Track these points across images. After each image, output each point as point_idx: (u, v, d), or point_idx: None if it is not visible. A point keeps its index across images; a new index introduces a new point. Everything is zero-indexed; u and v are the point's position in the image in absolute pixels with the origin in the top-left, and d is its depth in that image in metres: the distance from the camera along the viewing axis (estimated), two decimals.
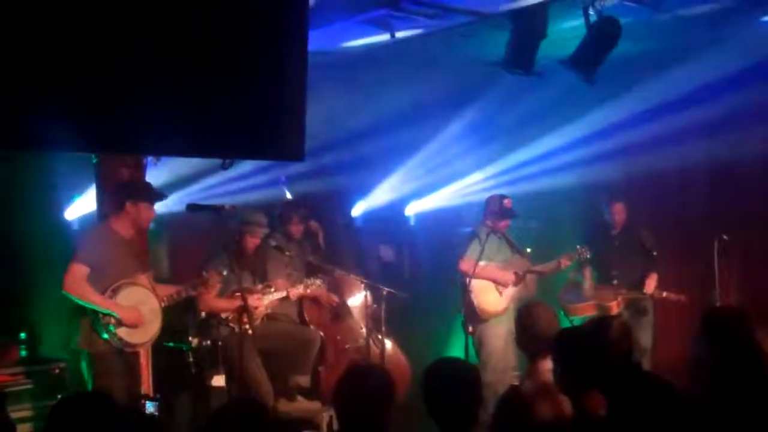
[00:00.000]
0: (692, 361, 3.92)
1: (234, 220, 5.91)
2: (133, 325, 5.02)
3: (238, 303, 5.84)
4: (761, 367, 3.33)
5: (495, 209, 6.51)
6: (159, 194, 5.32)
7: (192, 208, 5.14)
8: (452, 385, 3.22)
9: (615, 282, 6.57)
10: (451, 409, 3.19)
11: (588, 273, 6.83)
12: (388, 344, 6.71)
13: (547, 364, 3.85)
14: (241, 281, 5.69)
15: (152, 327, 5.17)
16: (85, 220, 6.41)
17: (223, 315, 6.01)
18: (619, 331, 4.05)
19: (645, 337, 6.69)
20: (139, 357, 5.27)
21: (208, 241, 6.20)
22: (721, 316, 4.25)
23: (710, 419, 3.15)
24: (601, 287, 6.73)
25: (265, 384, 6.02)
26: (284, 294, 6.22)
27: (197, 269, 5.88)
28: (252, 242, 6.13)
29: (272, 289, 6.16)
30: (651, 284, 6.64)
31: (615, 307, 6.59)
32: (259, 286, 6.16)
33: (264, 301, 6.10)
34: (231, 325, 5.99)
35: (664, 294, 6.63)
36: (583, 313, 6.59)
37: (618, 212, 6.89)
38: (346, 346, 6.73)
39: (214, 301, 5.95)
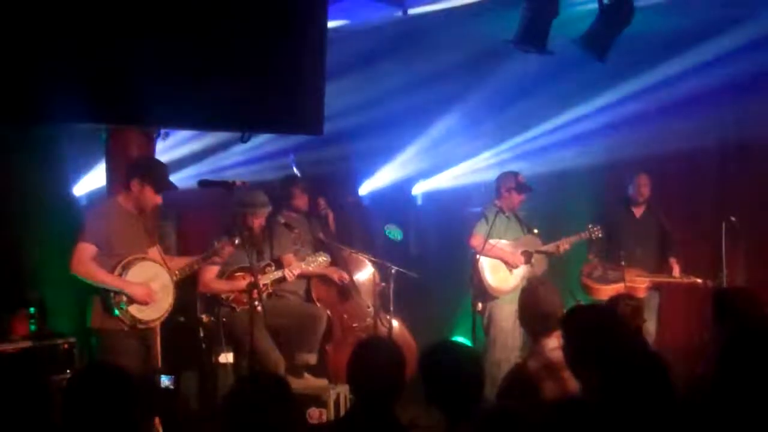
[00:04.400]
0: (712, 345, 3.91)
1: (234, 201, 5.80)
2: (143, 302, 4.92)
3: (238, 285, 5.82)
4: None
5: (511, 185, 6.51)
6: (169, 184, 5.12)
7: (203, 183, 5.10)
8: (452, 369, 3.19)
9: (623, 263, 6.52)
10: (452, 395, 3.16)
11: (599, 252, 6.72)
12: (395, 323, 6.73)
13: (551, 343, 3.87)
14: (246, 261, 5.61)
15: (164, 303, 5.07)
16: (93, 196, 6.40)
17: (223, 296, 5.97)
18: (631, 310, 4.06)
19: (650, 318, 6.66)
20: (154, 334, 5.15)
21: (218, 218, 6.18)
22: (732, 296, 4.24)
23: (714, 402, 3.16)
24: (629, 269, 6.52)
25: (273, 353, 5.97)
26: (280, 275, 6.10)
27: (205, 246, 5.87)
28: (256, 222, 5.98)
29: (272, 268, 6.03)
30: (677, 268, 6.58)
31: (643, 290, 6.47)
32: (261, 264, 6.02)
33: (263, 281, 5.92)
34: (232, 305, 5.97)
35: (691, 279, 6.52)
36: (609, 294, 6.44)
37: (644, 184, 6.75)
38: (354, 325, 6.74)
39: (214, 282, 5.90)
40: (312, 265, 6.33)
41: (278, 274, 6.10)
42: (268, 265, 6.07)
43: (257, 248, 6.00)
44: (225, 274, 5.96)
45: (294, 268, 6.16)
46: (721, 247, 6.30)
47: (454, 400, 3.15)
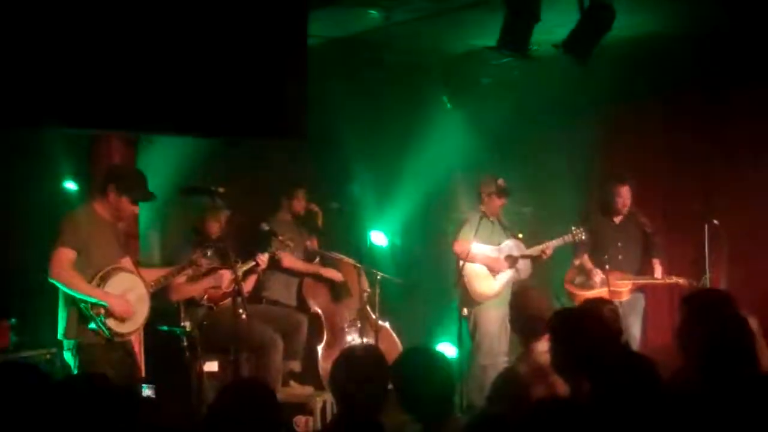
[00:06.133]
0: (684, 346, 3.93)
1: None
2: (122, 316, 4.82)
3: (209, 282, 5.84)
4: (753, 345, 3.38)
5: (491, 189, 6.52)
6: (147, 194, 5.03)
7: (186, 191, 5.07)
8: (423, 376, 3.18)
9: (607, 267, 6.54)
10: (424, 401, 3.15)
11: (587, 259, 6.72)
12: (383, 328, 6.72)
13: (541, 347, 3.89)
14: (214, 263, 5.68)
15: (141, 314, 4.98)
16: (74, 205, 6.34)
17: (197, 297, 5.94)
18: (609, 316, 4.08)
19: (635, 321, 6.68)
20: (134, 343, 5.11)
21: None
22: (708, 298, 4.26)
23: (699, 401, 3.18)
24: (610, 273, 6.50)
25: (267, 331, 5.95)
26: (252, 264, 6.06)
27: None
28: (214, 226, 5.90)
29: (239, 264, 5.91)
30: (660, 270, 6.60)
31: (626, 293, 6.49)
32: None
33: (234, 276, 5.65)
34: (208, 304, 5.93)
35: (674, 279, 6.52)
36: None
37: (623, 196, 6.70)
38: (344, 327, 6.76)
39: (184, 286, 5.86)
40: (278, 252, 6.29)
41: (247, 265, 6.04)
42: (236, 261, 5.98)
43: (217, 252, 5.87)
44: (194, 277, 5.89)
45: (262, 257, 6.11)
46: (704, 250, 6.33)
47: (426, 406, 3.14)
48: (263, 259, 6.11)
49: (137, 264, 5.33)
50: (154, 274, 5.27)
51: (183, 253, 5.89)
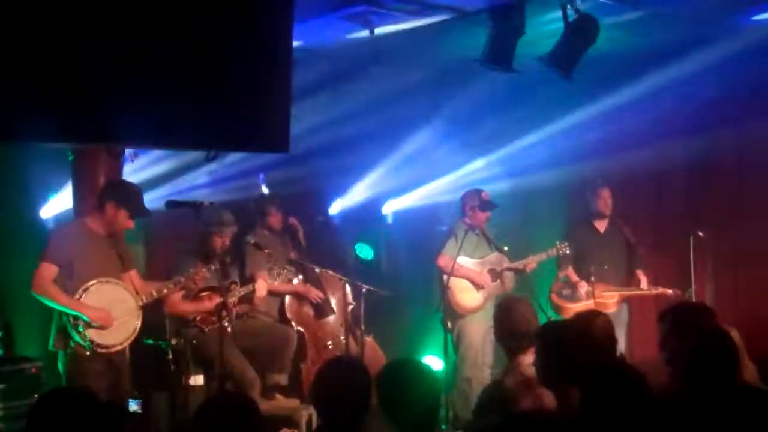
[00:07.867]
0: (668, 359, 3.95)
1: (199, 220, 5.76)
2: (101, 326, 4.86)
3: (204, 305, 5.79)
4: (735, 357, 3.40)
5: (475, 203, 6.52)
6: (143, 210, 5.14)
7: (171, 204, 5.09)
8: (409, 388, 3.16)
9: (592, 278, 6.55)
10: (408, 413, 3.13)
11: (572, 271, 6.75)
12: (367, 341, 6.70)
13: (527, 359, 3.88)
14: (211, 281, 5.64)
15: (129, 327, 5.02)
16: (60, 219, 6.33)
17: (190, 317, 5.92)
18: (603, 328, 4.08)
19: (620, 332, 6.66)
20: (123, 357, 5.09)
21: (187, 239, 6.13)
22: (691, 311, 4.27)
23: (684, 413, 3.19)
24: (596, 285, 6.52)
25: (249, 372, 5.92)
26: (248, 290, 6.07)
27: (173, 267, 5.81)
28: (220, 242, 5.90)
29: (237, 285, 5.98)
30: (645, 279, 6.62)
31: (613, 305, 6.50)
32: (226, 283, 5.83)
33: (230, 298, 5.78)
34: (200, 326, 5.92)
35: (660, 290, 6.56)
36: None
37: (605, 198, 6.74)
38: (328, 343, 6.71)
39: (180, 303, 5.84)
40: (278, 279, 6.28)
41: (244, 290, 6.05)
42: (233, 282, 6.00)
43: (221, 267, 5.85)
44: (190, 295, 5.88)
45: (261, 283, 6.11)
46: (689, 261, 6.36)
47: (411, 419, 3.13)
48: (261, 286, 6.10)
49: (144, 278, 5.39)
50: (151, 287, 5.29)
51: (184, 267, 5.82)
